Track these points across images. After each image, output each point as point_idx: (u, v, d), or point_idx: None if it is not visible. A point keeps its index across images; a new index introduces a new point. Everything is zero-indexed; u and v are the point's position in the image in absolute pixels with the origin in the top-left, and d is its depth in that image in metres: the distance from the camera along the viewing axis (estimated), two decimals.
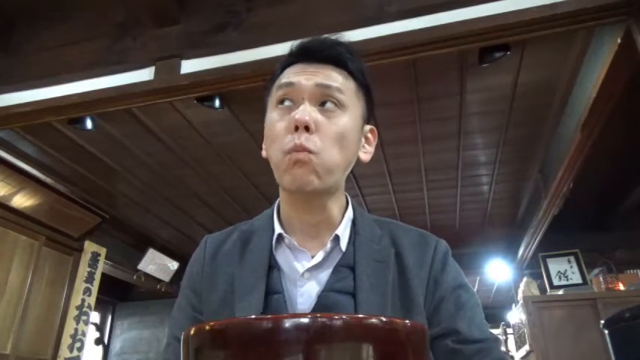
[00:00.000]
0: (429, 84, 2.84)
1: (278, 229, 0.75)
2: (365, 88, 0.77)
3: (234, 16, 2.19)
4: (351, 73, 0.74)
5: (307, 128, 0.67)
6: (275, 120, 0.71)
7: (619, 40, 1.93)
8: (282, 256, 0.74)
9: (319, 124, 0.68)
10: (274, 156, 0.70)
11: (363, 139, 0.77)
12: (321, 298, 0.69)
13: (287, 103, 0.71)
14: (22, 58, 2.48)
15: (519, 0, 1.83)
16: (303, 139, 0.66)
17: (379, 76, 2.57)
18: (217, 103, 2.80)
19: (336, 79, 0.72)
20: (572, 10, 1.77)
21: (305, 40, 0.76)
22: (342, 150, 0.69)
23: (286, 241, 0.74)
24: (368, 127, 0.79)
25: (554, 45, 2.50)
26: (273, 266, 0.73)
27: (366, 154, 0.78)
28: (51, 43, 2.45)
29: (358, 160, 0.78)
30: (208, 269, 0.77)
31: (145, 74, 2.25)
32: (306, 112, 0.67)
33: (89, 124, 2.97)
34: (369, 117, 0.80)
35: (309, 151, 0.66)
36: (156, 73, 2.23)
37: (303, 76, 0.71)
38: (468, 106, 3.05)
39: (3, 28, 2.53)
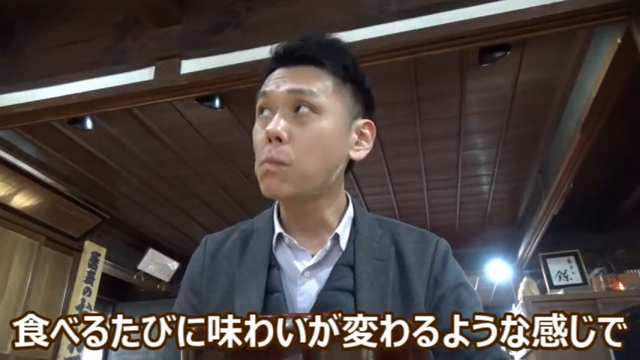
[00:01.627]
0: (429, 84, 2.83)
1: (278, 229, 0.75)
2: (353, 82, 0.74)
3: (234, 16, 2.19)
4: (330, 71, 0.71)
5: (280, 139, 0.67)
6: (256, 131, 0.72)
7: (619, 40, 1.93)
8: (282, 255, 0.74)
9: (292, 134, 0.67)
10: (255, 166, 0.71)
11: (355, 136, 0.74)
12: (321, 296, 0.69)
13: (265, 112, 0.71)
14: (22, 58, 2.48)
15: (519, 0, 1.83)
16: (274, 152, 0.66)
17: (379, 76, 2.58)
18: (217, 103, 2.80)
19: (308, 81, 0.69)
20: (572, 10, 1.76)
21: (283, 43, 0.74)
22: (322, 156, 0.68)
23: (286, 240, 0.74)
24: (362, 121, 0.75)
25: (554, 45, 2.50)
26: (273, 265, 0.73)
27: (360, 151, 0.75)
28: (51, 43, 2.44)
29: (355, 160, 0.75)
30: (208, 269, 0.77)
31: (145, 74, 2.25)
32: (277, 123, 0.67)
33: (89, 124, 2.97)
34: (365, 111, 0.76)
35: (282, 163, 0.66)
36: (156, 73, 2.23)
37: (276, 84, 0.70)
38: (468, 106, 3.05)
39: (3, 28, 2.53)
